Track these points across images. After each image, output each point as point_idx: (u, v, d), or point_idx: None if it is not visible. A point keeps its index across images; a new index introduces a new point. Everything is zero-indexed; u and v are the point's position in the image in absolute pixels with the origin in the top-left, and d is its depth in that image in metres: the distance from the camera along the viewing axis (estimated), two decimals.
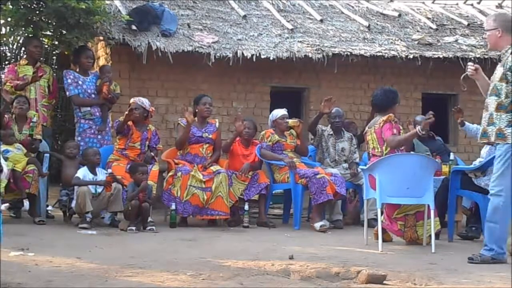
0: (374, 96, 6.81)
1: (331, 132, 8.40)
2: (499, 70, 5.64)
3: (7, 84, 7.99)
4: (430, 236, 6.23)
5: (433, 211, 6.19)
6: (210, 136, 7.90)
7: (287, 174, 7.90)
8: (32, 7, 8.44)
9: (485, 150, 7.14)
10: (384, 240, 6.25)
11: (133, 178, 7.18)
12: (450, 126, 10.97)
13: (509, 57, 5.57)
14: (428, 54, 10.40)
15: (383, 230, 6.40)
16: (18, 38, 10.93)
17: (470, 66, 5.82)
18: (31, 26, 8.55)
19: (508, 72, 5.54)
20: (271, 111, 8.79)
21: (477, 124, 7.59)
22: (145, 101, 7.88)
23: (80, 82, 8.08)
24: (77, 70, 8.30)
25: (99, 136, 8.13)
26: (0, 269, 4.34)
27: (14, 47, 11.48)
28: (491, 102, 5.62)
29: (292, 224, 7.80)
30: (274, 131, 8.18)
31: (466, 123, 7.99)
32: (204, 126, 7.94)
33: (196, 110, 7.90)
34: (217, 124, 8.08)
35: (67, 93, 8.16)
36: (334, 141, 8.39)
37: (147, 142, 7.80)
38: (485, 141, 5.82)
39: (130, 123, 7.70)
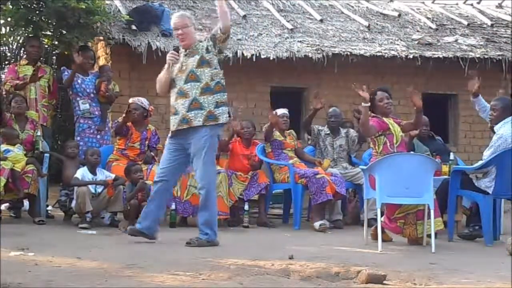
0: None
1: (328, 132, 8.40)
2: (192, 59, 5.94)
3: (7, 83, 7.99)
4: (430, 236, 6.23)
5: (433, 211, 6.19)
6: None
7: (287, 174, 7.91)
8: (32, 7, 8.44)
9: (487, 153, 7.06)
10: (383, 240, 6.25)
11: (129, 179, 7.19)
12: (450, 126, 10.98)
13: (204, 44, 6.00)
14: (428, 54, 10.41)
15: (382, 229, 6.39)
16: (18, 38, 10.94)
17: (173, 55, 6.01)
18: (31, 26, 8.55)
19: (212, 57, 5.95)
20: None
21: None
22: (144, 101, 7.89)
23: (79, 81, 8.07)
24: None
25: (98, 136, 8.13)
26: (0, 269, 4.34)
27: (14, 47, 11.48)
28: (192, 88, 5.92)
29: (292, 224, 7.80)
30: (275, 129, 8.19)
31: (481, 96, 7.30)
32: None
33: None
34: None
35: (63, 80, 8.14)
36: (332, 140, 8.38)
37: (147, 142, 7.80)
38: (185, 127, 5.95)
39: (129, 123, 7.69)
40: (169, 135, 6.16)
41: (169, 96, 5.72)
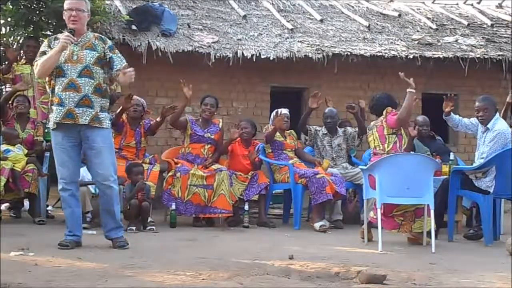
0: (373, 102, 6.92)
1: (326, 132, 8.40)
2: (88, 53, 5.63)
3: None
4: (430, 236, 6.22)
5: (432, 210, 6.19)
6: (213, 136, 7.91)
7: (287, 174, 7.91)
8: (32, 7, 8.44)
9: (485, 150, 7.05)
10: (369, 240, 6.39)
11: (130, 178, 7.19)
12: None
13: (102, 46, 5.69)
14: (428, 54, 10.41)
15: (369, 229, 6.44)
16: (18, 38, 10.93)
17: (69, 38, 5.54)
18: (31, 26, 8.56)
19: (106, 63, 5.66)
20: (271, 111, 8.79)
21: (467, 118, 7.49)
22: (143, 101, 7.93)
23: None
24: None
25: None
26: (0, 269, 4.34)
27: (14, 47, 11.46)
28: (85, 84, 5.60)
29: (292, 224, 7.80)
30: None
31: (453, 114, 7.44)
32: (207, 126, 7.95)
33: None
34: (220, 125, 8.08)
35: None
36: (330, 139, 8.38)
37: (142, 139, 7.76)
38: (69, 122, 5.59)
39: (125, 120, 7.66)
40: (53, 126, 5.66)
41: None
